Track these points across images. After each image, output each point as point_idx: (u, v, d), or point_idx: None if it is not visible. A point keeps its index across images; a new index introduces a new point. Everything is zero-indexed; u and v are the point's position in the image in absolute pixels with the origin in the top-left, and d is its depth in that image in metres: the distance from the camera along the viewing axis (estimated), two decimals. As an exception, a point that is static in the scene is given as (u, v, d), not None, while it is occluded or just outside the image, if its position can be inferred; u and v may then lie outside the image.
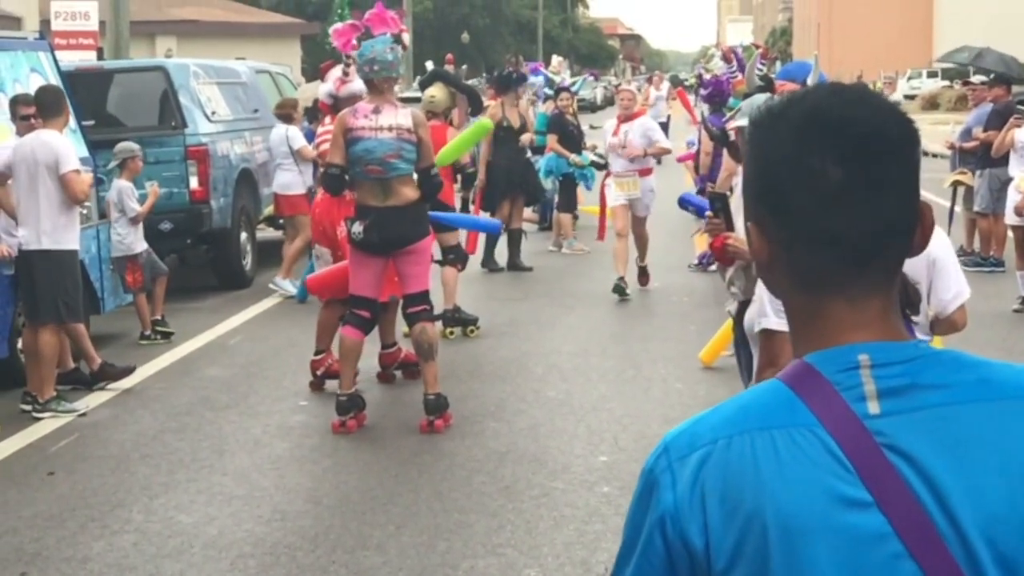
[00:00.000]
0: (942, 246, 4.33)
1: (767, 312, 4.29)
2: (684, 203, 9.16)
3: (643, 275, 13.49)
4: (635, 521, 1.65)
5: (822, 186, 1.58)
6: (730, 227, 5.17)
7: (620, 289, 12.86)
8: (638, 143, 13.02)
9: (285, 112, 14.08)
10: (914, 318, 3.80)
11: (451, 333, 11.35)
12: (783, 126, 1.63)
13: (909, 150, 1.62)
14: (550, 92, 17.53)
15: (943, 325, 4.45)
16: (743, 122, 5.41)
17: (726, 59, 7.16)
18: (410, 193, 8.23)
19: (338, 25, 9.55)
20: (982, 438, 1.55)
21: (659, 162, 14.66)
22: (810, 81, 6.15)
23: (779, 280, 1.68)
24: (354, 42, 8.80)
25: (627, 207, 13.11)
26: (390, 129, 8.13)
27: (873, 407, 1.56)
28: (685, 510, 1.59)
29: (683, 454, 1.62)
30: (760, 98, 5.75)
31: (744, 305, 5.39)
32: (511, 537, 6.38)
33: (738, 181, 5.70)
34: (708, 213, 5.37)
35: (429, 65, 13.47)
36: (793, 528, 1.53)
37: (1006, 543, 1.52)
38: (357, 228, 8.20)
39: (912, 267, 4.19)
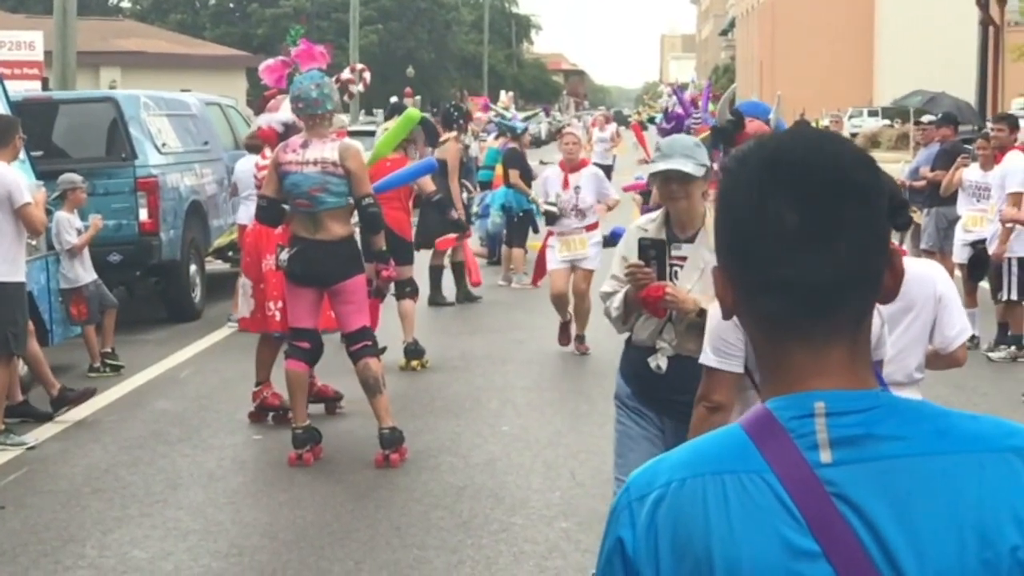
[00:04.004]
0: (947, 284, 4.41)
1: (706, 349, 4.23)
2: (615, 238, 7.90)
3: (580, 341, 12.11)
4: (601, 554, 1.66)
5: (779, 231, 1.57)
6: (662, 275, 4.92)
7: (580, 341, 11.99)
8: (591, 200, 11.80)
9: (256, 143, 13.89)
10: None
11: (419, 365, 11.32)
12: (745, 171, 1.62)
13: (872, 196, 1.59)
14: (507, 126, 17.50)
15: (945, 361, 4.48)
16: (662, 166, 5.04)
17: (694, 105, 7.11)
18: (339, 229, 8.18)
19: (269, 61, 9.57)
20: (933, 492, 1.52)
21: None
22: (771, 119, 6.18)
23: (746, 325, 1.67)
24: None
25: (568, 270, 11.82)
26: (315, 163, 8.12)
27: (825, 456, 1.54)
28: (641, 550, 1.59)
29: (642, 493, 1.61)
30: (682, 138, 5.52)
31: (674, 360, 5.06)
32: (471, 573, 6.35)
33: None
34: (634, 261, 4.99)
35: (394, 99, 13.56)
36: (740, 575, 1.53)
37: None
38: (283, 256, 8.23)
39: (922, 305, 4.25)
